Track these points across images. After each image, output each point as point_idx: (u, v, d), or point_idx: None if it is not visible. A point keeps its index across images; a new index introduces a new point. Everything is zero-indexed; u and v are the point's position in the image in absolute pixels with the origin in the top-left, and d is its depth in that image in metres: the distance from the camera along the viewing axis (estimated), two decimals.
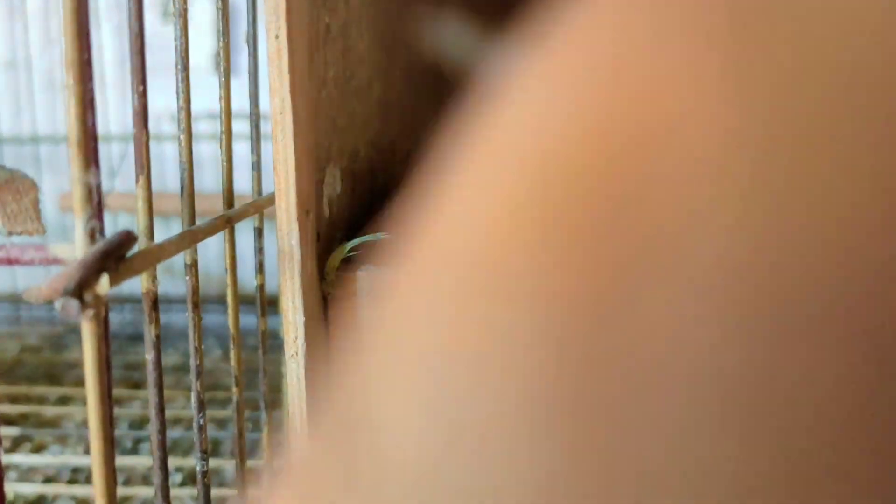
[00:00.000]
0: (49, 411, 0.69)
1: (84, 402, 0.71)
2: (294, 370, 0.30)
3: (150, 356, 0.26)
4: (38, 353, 0.83)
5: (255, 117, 0.37)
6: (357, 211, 0.41)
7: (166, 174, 0.96)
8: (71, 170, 0.21)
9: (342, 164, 0.38)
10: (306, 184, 0.30)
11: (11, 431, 0.64)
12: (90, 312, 0.21)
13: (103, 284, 0.21)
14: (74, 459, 0.60)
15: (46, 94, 1.10)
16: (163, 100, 0.89)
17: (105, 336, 0.21)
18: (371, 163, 0.46)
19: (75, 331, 0.91)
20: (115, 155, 1.03)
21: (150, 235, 0.25)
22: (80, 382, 0.76)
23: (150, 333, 0.26)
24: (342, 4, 0.37)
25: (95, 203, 0.22)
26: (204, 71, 0.96)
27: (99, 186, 0.22)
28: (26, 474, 0.59)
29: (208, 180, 1.01)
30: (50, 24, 1.08)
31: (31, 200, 0.23)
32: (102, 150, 1.19)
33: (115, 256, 0.22)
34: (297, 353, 0.29)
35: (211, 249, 1.01)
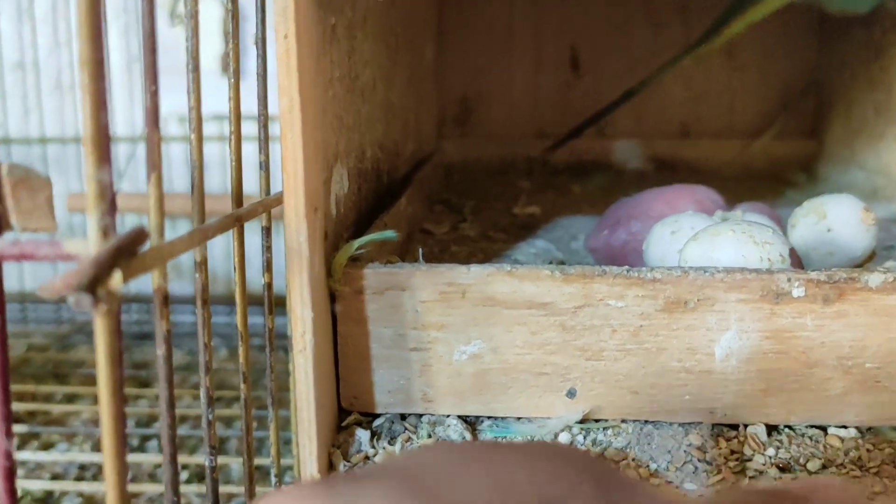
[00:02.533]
0: (56, 409, 0.69)
1: (91, 399, 0.71)
2: (302, 364, 0.30)
3: (160, 351, 0.26)
4: (44, 351, 0.84)
5: (263, 118, 0.37)
6: (363, 210, 0.42)
7: (172, 175, 0.96)
8: (85, 167, 0.21)
9: (349, 163, 0.38)
10: (314, 181, 0.31)
11: (19, 429, 0.64)
12: (103, 307, 0.21)
13: (116, 280, 0.21)
14: (82, 456, 0.60)
15: (54, 95, 1.10)
16: (169, 101, 0.89)
17: (117, 331, 0.22)
18: (377, 163, 0.46)
19: (81, 330, 0.91)
20: (122, 156, 1.03)
21: (161, 233, 0.26)
22: (86, 381, 0.77)
23: (161, 329, 0.26)
24: (348, 6, 0.38)
25: (108, 200, 0.22)
26: (211, 73, 0.97)
27: (112, 184, 0.22)
28: (34, 471, 0.60)
29: (215, 181, 1.02)
30: (58, 26, 1.09)
31: (46, 198, 0.24)
32: None
33: (127, 253, 0.22)
34: (305, 348, 0.30)
35: (217, 249, 1.02)
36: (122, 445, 0.22)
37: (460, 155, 0.80)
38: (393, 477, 0.11)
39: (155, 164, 0.26)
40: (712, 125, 0.80)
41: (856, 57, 0.69)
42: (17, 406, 0.70)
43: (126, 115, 1.04)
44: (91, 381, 0.77)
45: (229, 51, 0.33)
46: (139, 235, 0.23)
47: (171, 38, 1.01)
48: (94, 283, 0.21)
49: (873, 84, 0.65)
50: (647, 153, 0.78)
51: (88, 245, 0.22)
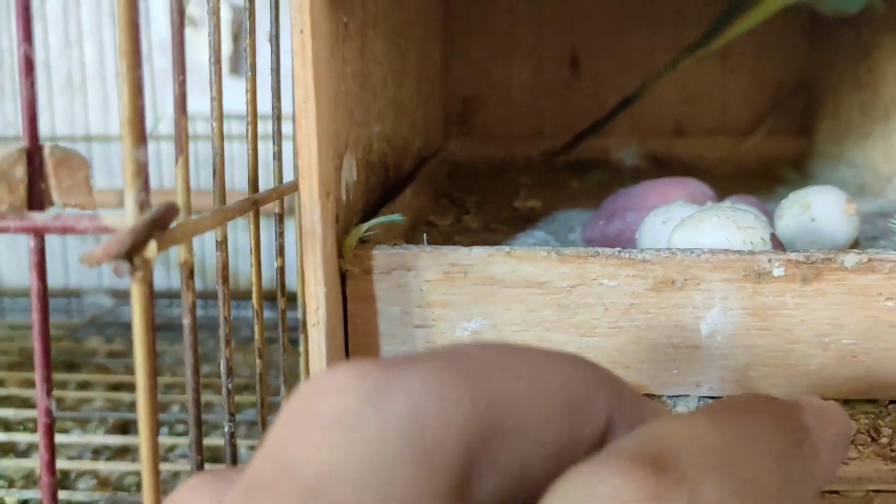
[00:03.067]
0: (70, 395, 0.71)
1: (103, 387, 0.74)
2: (315, 338, 0.32)
3: (186, 320, 0.29)
4: (57, 342, 0.86)
5: (276, 110, 0.39)
6: (371, 201, 0.44)
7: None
8: (123, 147, 0.24)
9: (358, 154, 0.40)
10: (327, 167, 0.33)
11: (34, 414, 0.66)
12: (140, 274, 0.23)
13: (151, 249, 0.24)
14: (97, 439, 0.62)
15: (65, 95, 1.13)
16: None
17: (151, 296, 0.24)
18: (384, 157, 0.48)
19: (93, 323, 0.93)
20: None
21: (189, 210, 0.28)
22: (98, 370, 0.79)
23: (187, 300, 0.28)
24: (358, 6, 0.40)
25: (144, 177, 0.24)
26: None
27: (146, 163, 0.24)
28: None
29: None
30: (69, 26, 1.11)
31: (84, 177, 0.26)
32: (114, 148, 1.19)
33: (160, 226, 0.24)
34: (318, 322, 0.32)
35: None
36: (155, 401, 0.24)
37: (463, 152, 0.83)
38: (439, 359, 0.14)
39: (182, 147, 0.28)
40: (705, 124, 0.83)
41: (844, 57, 0.71)
42: (32, 393, 0.72)
43: None
44: (102, 370, 0.79)
45: (245, 47, 0.36)
46: (171, 210, 0.25)
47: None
48: (132, 252, 0.23)
49: (860, 84, 0.67)
50: (642, 151, 0.81)
51: (125, 218, 0.24)
